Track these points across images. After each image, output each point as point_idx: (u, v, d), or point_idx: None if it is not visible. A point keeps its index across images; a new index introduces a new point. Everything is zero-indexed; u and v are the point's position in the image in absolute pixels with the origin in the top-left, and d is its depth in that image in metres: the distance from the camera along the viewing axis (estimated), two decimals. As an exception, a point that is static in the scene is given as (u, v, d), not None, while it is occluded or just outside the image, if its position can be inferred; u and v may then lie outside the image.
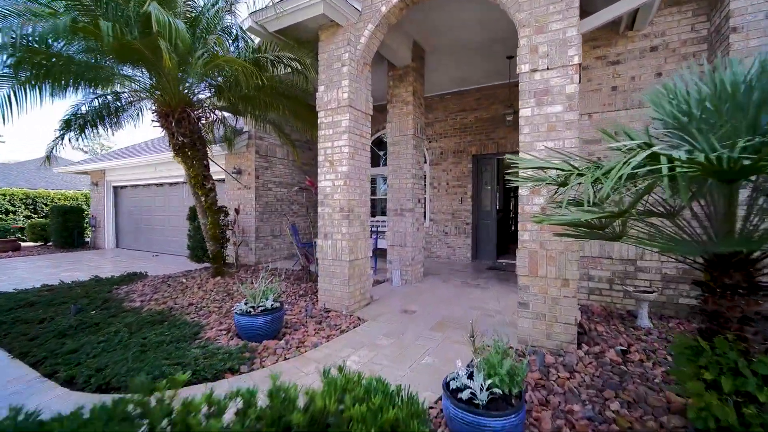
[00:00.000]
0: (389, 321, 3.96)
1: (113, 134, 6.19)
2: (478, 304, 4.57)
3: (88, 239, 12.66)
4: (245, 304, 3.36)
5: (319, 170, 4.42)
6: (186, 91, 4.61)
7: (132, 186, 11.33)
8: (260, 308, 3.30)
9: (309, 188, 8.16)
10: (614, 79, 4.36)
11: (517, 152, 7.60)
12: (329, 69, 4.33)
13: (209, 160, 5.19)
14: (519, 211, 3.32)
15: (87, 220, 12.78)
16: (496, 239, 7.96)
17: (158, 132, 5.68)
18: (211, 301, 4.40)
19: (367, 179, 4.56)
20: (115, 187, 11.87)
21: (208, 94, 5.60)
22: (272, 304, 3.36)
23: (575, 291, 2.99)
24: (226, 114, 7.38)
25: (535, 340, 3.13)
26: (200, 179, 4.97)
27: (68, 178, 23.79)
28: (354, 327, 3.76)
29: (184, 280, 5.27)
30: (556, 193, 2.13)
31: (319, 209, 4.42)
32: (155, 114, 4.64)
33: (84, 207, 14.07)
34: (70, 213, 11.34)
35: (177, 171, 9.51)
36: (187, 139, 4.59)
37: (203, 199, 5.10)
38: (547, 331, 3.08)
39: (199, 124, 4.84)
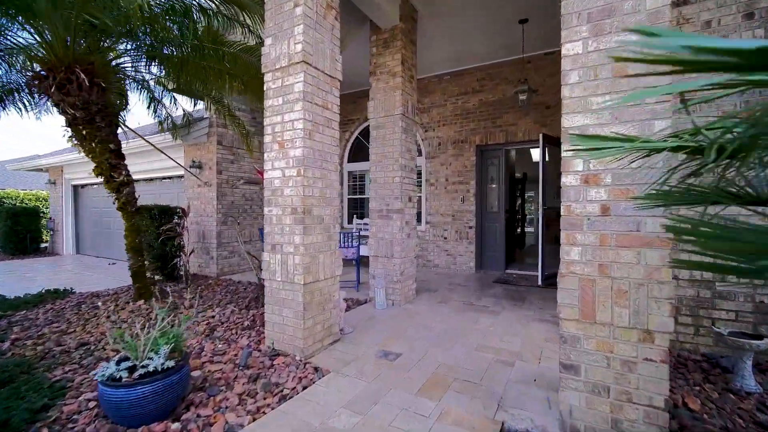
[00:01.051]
0: (360, 374, 2.70)
1: (38, 118, 4.91)
2: (489, 340, 3.31)
3: (45, 244, 11.39)
4: (118, 363, 2.10)
5: (265, 155, 3.17)
6: (82, 43, 3.34)
7: (92, 184, 10.07)
8: (141, 371, 2.04)
9: (260, 181, 6.86)
10: (680, 27, 3.11)
11: (529, 141, 6.34)
12: (278, 13, 3.07)
13: (150, 146, 3.96)
14: (563, 212, 2.06)
15: (44, 222, 11.51)
16: (505, 245, 6.69)
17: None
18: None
19: (334, 169, 3.30)
20: (74, 186, 10.62)
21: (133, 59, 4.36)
22: (164, 364, 2.09)
23: (665, 352, 1.73)
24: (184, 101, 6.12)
25: (590, 426, 1.87)
26: (106, 169, 3.72)
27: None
28: (305, 387, 2.49)
29: (100, 304, 4.01)
30: (696, 168, 0.87)
31: (265, 210, 3.16)
32: (29, 75, 3.38)
33: (45, 208, 12.83)
34: (22, 215, 10.08)
35: (139, 165, 8.29)
36: (81, 113, 3.32)
37: (115, 196, 3.85)
38: (612, 416, 1.82)
39: (104, 93, 3.54)
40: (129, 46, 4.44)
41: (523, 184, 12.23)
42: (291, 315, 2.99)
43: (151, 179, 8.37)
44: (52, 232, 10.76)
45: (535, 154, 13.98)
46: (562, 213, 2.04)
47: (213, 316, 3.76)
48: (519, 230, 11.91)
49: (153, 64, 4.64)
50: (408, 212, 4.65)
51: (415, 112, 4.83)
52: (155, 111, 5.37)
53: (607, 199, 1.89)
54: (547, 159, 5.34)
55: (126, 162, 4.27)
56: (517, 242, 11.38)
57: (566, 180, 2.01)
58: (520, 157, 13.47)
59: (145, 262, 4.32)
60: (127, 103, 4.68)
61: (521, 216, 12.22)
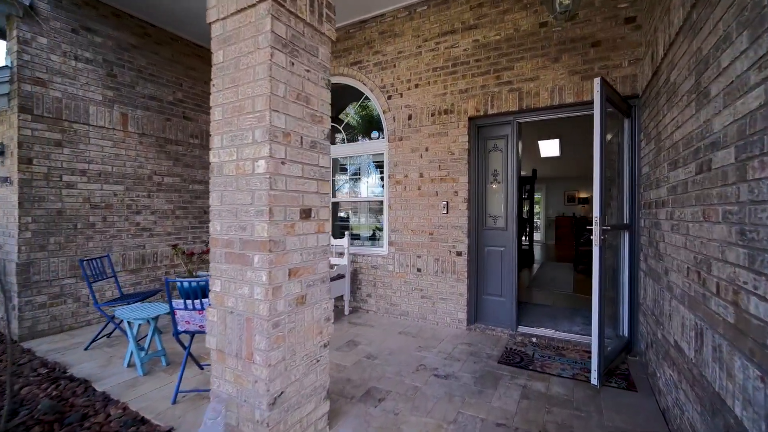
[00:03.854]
0: None
1: None
2: None
3: None
4: None
5: None
6: None
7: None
8: None
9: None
10: None
11: (560, 107, 3.28)
12: None
13: None
14: None
15: None
16: (517, 285, 3.98)
17: None
18: None
19: None
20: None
21: None
22: None
23: None
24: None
25: None
26: None
27: None
28: None
29: None
30: None
31: None
32: None
33: None
34: None
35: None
36: None
37: None
38: None
39: None
40: None
41: (532, 184, 9.57)
42: None
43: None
44: None
45: (545, 147, 11.34)
46: None
47: None
48: (526, 242, 9.24)
49: None
50: (298, 245, 1.94)
51: (325, 13, 2.11)
52: None
53: None
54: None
55: None
56: (525, 260, 8.75)
57: None
58: (525, 148, 10.84)
59: None
60: None
61: (530, 227, 9.53)
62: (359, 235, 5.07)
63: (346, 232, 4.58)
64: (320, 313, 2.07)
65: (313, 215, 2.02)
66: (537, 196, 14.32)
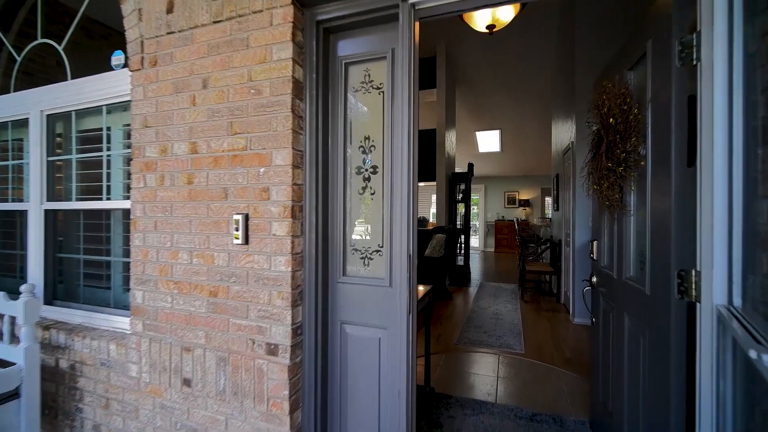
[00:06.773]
0: None
1: None
2: None
3: None
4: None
5: None
6: None
7: None
8: None
9: None
10: None
11: None
12: None
13: None
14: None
15: None
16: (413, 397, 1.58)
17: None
18: None
19: None
20: None
21: None
22: None
23: None
24: None
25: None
26: None
27: None
28: None
29: None
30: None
31: None
32: None
33: None
34: None
35: None
36: None
37: None
38: None
39: None
40: None
41: (468, 182, 7.54)
42: None
43: None
44: None
45: (483, 140, 9.60)
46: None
47: None
48: (461, 253, 7.22)
49: None
50: None
51: None
52: None
53: None
54: None
55: None
56: (460, 280, 6.68)
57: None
58: (460, 142, 9.00)
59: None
60: None
61: (466, 237, 7.46)
62: (93, 288, 2.35)
63: (23, 287, 1.87)
64: None
65: None
66: (474, 197, 12.59)
